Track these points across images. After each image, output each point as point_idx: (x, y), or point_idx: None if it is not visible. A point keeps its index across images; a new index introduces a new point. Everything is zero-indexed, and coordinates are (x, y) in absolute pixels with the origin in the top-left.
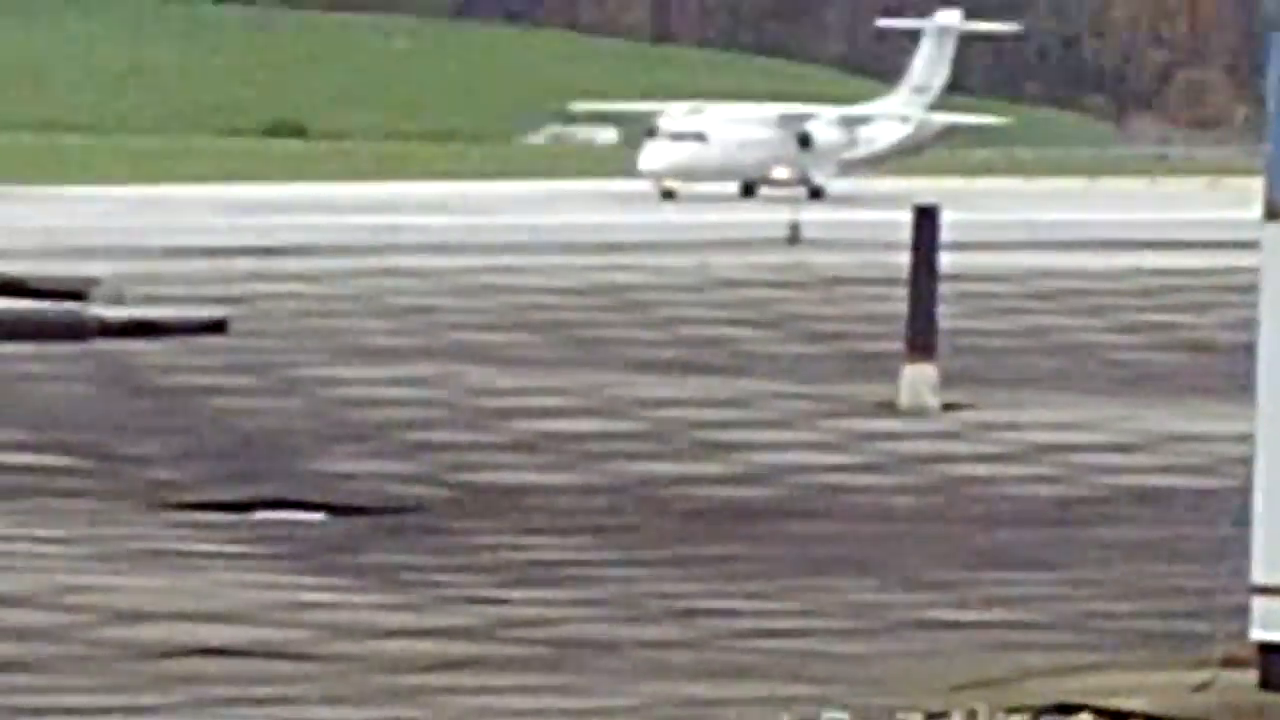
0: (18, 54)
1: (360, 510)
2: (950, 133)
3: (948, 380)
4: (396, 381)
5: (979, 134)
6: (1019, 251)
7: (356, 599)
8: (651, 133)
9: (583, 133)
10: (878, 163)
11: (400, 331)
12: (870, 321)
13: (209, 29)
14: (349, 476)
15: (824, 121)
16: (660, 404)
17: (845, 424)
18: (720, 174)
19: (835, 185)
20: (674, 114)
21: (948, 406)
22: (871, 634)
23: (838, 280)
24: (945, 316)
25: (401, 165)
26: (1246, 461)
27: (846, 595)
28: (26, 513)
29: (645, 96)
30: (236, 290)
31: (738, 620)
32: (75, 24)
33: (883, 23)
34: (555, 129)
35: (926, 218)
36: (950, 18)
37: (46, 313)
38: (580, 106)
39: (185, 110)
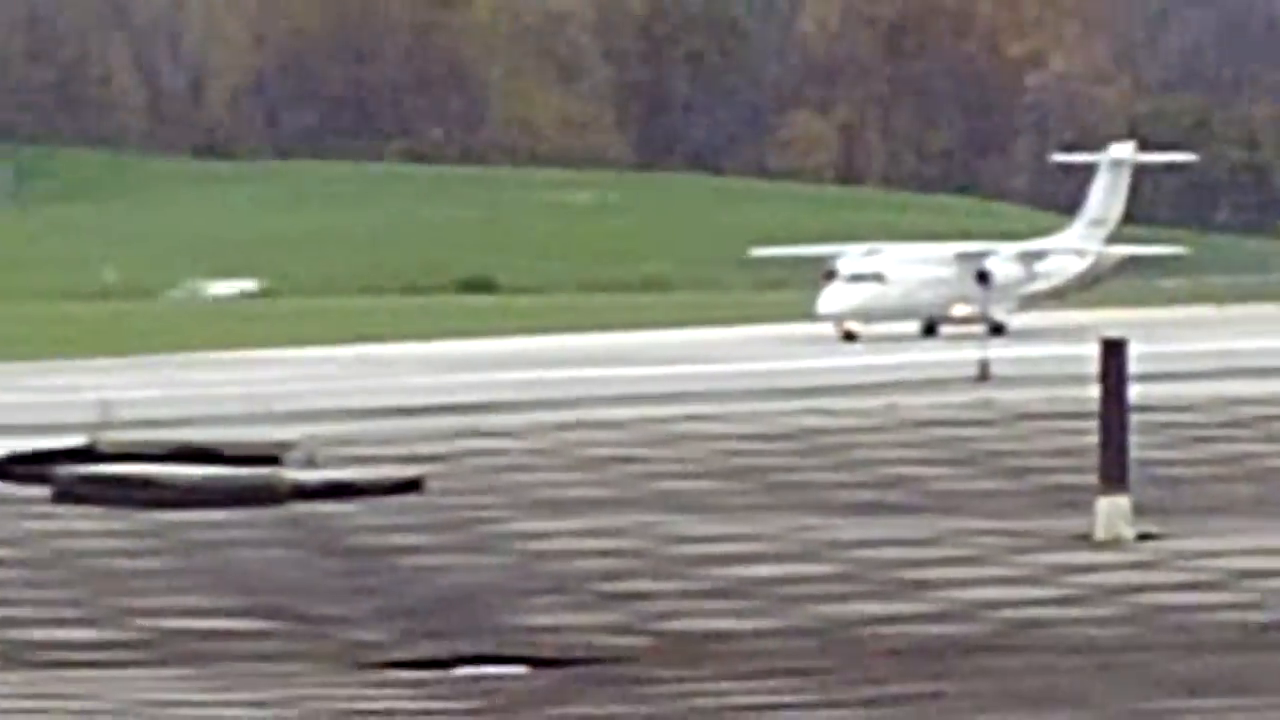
0: (204, 223)
1: (561, 662)
2: (1129, 264)
3: (1142, 511)
4: (593, 533)
5: (1166, 263)
6: (1209, 380)
7: None
8: (830, 275)
9: (216, 288)
10: (1058, 296)
11: (596, 483)
12: (1061, 455)
13: (390, 190)
14: (549, 629)
15: (1002, 258)
16: (855, 545)
17: (1042, 558)
18: (900, 314)
19: (1016, 321)
20: (852, 256)
21: (1143, 537)
22: None
23: (1027, 415)
24: (1137, 447)
25: (592, 317)
26: None
27: None
28: (227, 677)
29: (832, 238)
30: (432, 449)
31: None
32: (252, 192)
33: (1059, 158)
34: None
35: (1114, 351)
36: (1124, 150)
37: (241, 478)
38: (760, 252)
39: (374, 272)
